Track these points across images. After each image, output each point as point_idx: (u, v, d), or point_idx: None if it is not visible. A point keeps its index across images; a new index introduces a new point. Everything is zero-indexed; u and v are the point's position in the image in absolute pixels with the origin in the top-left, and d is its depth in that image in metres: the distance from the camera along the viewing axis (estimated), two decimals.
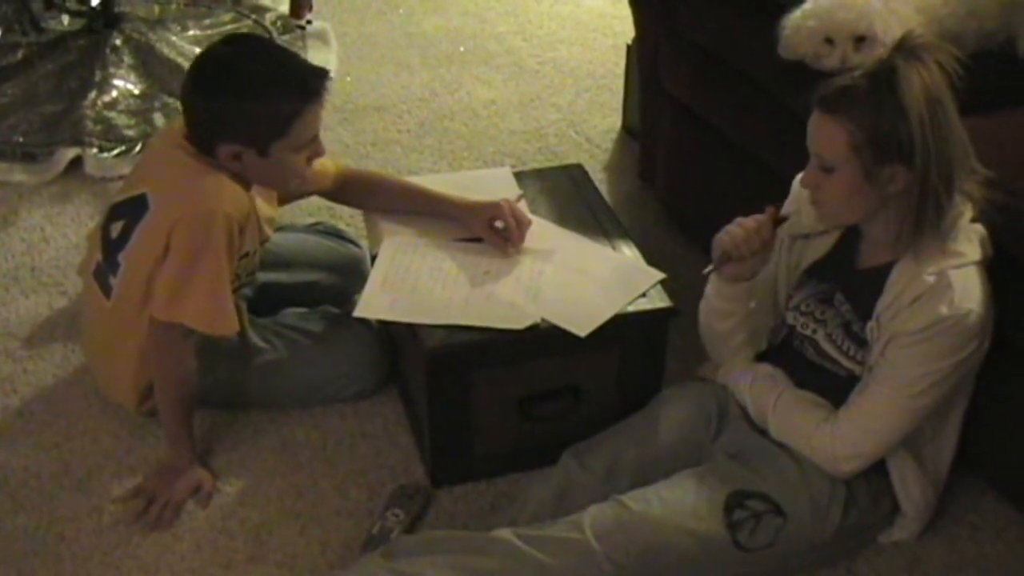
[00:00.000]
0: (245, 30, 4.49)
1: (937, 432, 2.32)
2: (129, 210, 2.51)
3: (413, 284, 2.52)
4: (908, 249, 2.15)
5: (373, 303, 2.50)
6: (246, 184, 2.48)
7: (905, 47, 2.08)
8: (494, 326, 2.40)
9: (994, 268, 2.20)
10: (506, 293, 2.49)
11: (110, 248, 2.55)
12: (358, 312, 2.50)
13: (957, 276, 2.11)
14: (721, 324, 2.44)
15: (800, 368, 2.37)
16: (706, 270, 2.37)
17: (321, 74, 2.43)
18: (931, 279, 2.11)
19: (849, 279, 2.30)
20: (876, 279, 2.21)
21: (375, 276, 2.55)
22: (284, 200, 2.80)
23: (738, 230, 2.29)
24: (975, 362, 2.21)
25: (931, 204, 2.09)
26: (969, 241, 2.16)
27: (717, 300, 2.41)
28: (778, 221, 2.30)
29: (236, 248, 2.43)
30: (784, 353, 2.44)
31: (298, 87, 2.38)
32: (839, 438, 2.23)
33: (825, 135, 2.11)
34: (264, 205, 2.62)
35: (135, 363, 2.58)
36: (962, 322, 2.10)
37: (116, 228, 2.53)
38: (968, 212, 2.17)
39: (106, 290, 2.57)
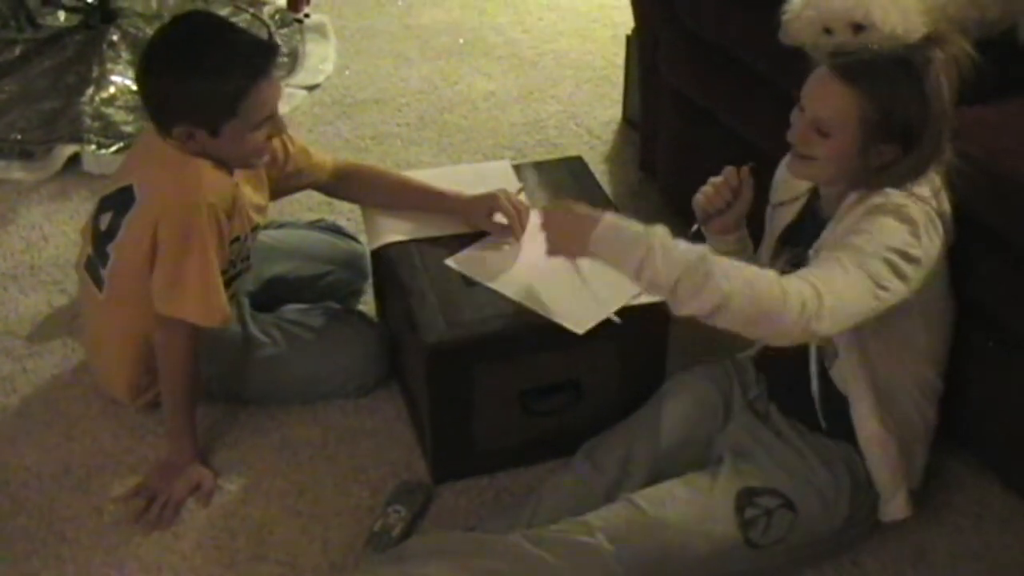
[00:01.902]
0: (243, 24, 4.47)
1: (893, 386, 2.26)
2: (117, 202, 2.50)
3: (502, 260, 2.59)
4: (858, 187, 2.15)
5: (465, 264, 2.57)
6: (228, 169, 2.47)
7: (935, 39, 2.08)
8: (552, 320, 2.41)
9: (977, 247, 2.23)
10: (571, 293, 2.47)
11: (100, 240, 2.54)
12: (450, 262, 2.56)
13: (896, 192, 2.10)
14: None
15: None
16: (692, 230, 2.37)
17: (268, 50, 2.41)
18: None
19: (814, 233, 2.30)
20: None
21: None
22: (279, 193, 2.78)
23: (708, 188, 2.39)
24: (925, 311, 2.18)
25: (903, 175, 2.11)
26: (924, 191, 2.14)
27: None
28: (754, 171, 2.36)
29: (225, 235, 2.42)
30: None
31: (243, 65, 2.34)
32: (806, 288, 1.96)
33: (834, 100, 2.10)
34: (252, 192, 2.60)
35: (129, 356, 2.59)
36: (899, 209, 2.06)
37: (105, 220, 2.53)
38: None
39: (98, 282, 2.57)
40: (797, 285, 1.96)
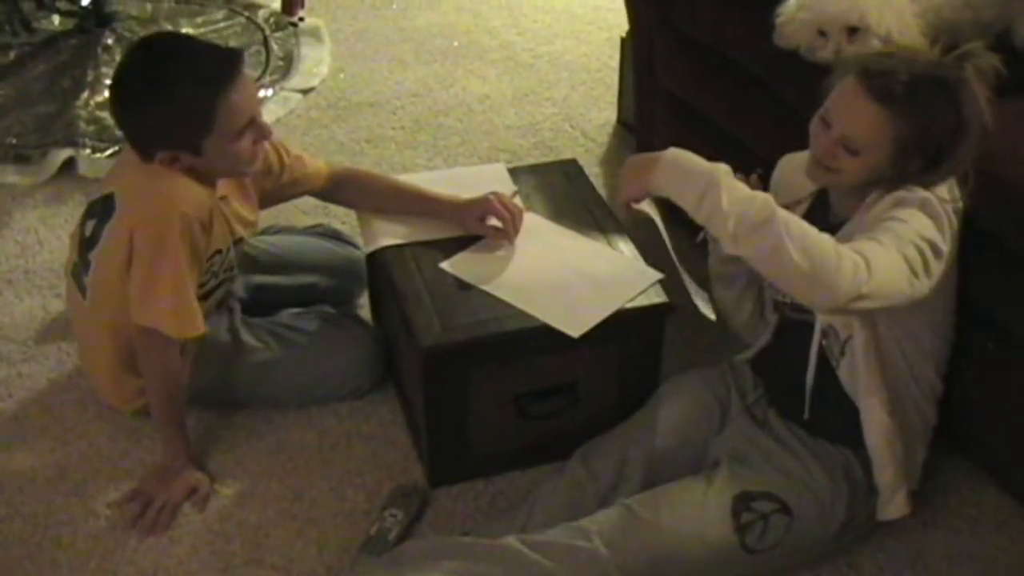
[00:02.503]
0: (238, 28, 4.48)
1: (899, 383, 2.26)
2: (100, 209, 2.51)
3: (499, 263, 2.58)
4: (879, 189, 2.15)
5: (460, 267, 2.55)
6: (210, 181, 2.47)
7: (968, 56, 2.06)
8: (548, 323, 2.40)
9: (975, 249, 2.23)
10: (567, 296, 2.49)
11: (84, 247, 2.55)
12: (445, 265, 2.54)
13: (920, 188, 2.10)
14: (727, 291, 2.47)
15: (790, 336, 2.37)
16: (698, 238, 2.36)
17: (230, 59, 2.38)
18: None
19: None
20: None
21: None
22: (275, 201, 2.79)
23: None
24: (931, 307, 2.18)
25: (933, 183, 2.11)
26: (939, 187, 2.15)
27: (718, 264, 2.44)
28: (760, 178, 2.31)
29: (202, 247, 2.42)
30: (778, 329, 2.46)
31: (207, 81, 2.32)
32: (857, 255, 1.96)
33: (867, 121, 2.07)
34: (240, 206, 2.61)
35: (115, 362, 2.60)
36: (925, 204, 2.06)
37: (89, 227, 2.54)
38: None
39: (82, 289, 2.58)
40: (849, 250, 1.96)
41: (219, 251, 2.51)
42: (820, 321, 2.25)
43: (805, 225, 1.98)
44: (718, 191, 1.98)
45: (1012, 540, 2.45)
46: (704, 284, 2.44)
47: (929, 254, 2.03)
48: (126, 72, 2.39)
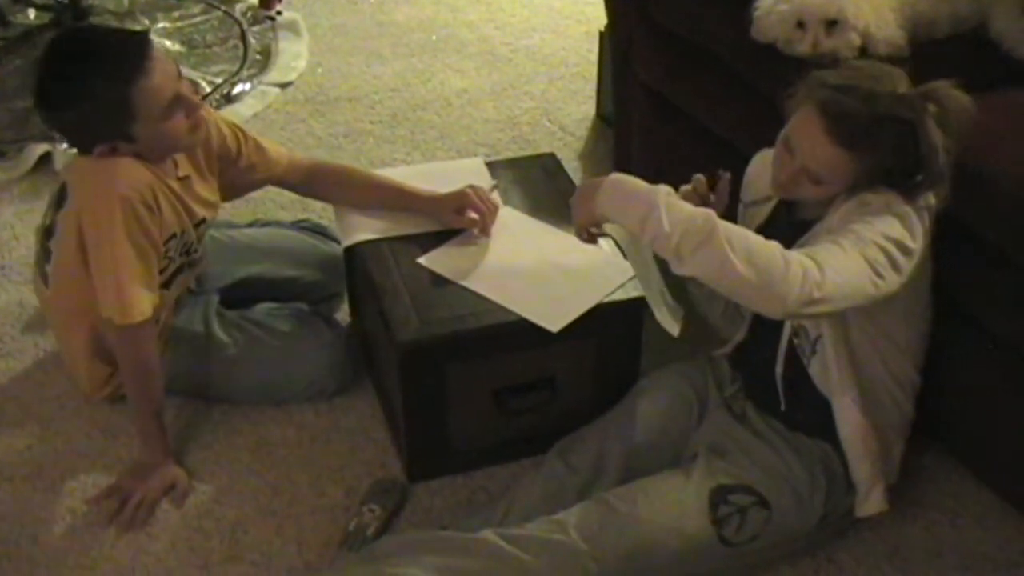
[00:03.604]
0: (215, 22, 4.47)
1: (875, 380, 2.27)
2: (57, 198, 2.52)
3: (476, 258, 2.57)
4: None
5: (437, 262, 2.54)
6: (160, 162, 2.45)
7: (929, 95, 2.06)
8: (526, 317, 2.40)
9: (950, 241, 2.24)
10: (545, 291, 2.48)
11: (44, 235, 2.56)
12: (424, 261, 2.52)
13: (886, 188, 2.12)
14: (698, 289, 2.47)
15: (764, 335, 2.37)
16: None
17: (136, 46, 2.34)
18: None
19: (786, 232, 2.30)
20: (810, 226, 2.21)
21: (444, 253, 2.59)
22: (237, 190, 2.79)
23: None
24: (907, 301, 2.18)
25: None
26: None
27: None
28: (711, 184, 2.30)
29: (150, 227, 2.39)
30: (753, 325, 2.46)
31: (117, 72, 2.30)
32: (806, 260, 1.97)
33: (828, 159, 2.08)
34: (201, 187, 2.59)
35: (82, 350, 2.60)
36: (888, 202, 2.08)
37: (48, 216, 2.55)
38: None
39: (44, 278, 2.58)
40: (798, 256, 1.97)
41: (174, 234, 2.50)
42: (789, 320, 2.26)
43: (749, 236, 1.98)
44: (659, 212, 1.99)
45: (990, 533, 2.45)
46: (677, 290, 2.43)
47: (896, 252, 2.04)
48: (40, 79, 2.36)
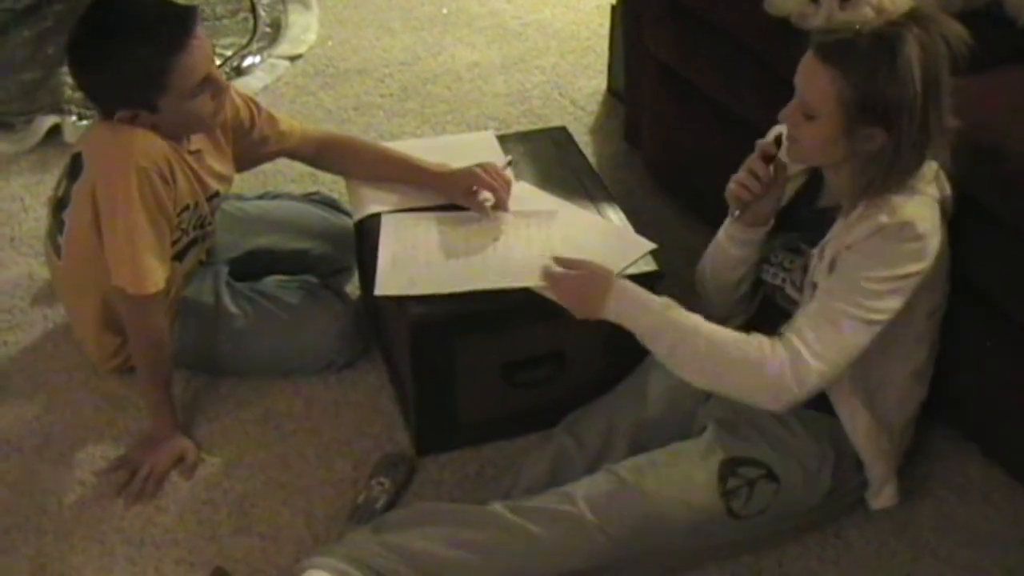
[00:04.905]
0: None
1: (885, 378, 2.27)
2: (71, 169, 2.51)
3: (425, 258, 2.49)
4: (866, 196, 2.14)
5: (391, 281, 2.44)
6: (176, 135, 2.45)
7: (915, 16, 2.04)
8: (516, 286, 2.37)
9: (963, 218, 2.22)
10: (520, 254, 2.47)
11: (57, 207, 2.56)
12: (378, 291, 2.43)
13: (901, 199, 2.10)
14: (732, 274, 2.43)
15: (774, 317, 2.35)
16: (734, 215, 2.36)
17: (182, 18, 2.35)
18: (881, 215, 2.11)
19: (809, 218, 2.29)
20: (832, 217, 2.20)
21: (384, 254, 2.50)
22: (250, 161, 2.78)
23: (740, 175, 2.30)
24: (920, 285, 2.14)
25: (900, 166, 2.08)
26: (925, 180, 2.14)
27: (734, 248, 2.39)
28: (769, 157, 2.28)
29: (164, 198, 2.39)
30: (763, 305, 2.45)
31: (161, 41, 2.31)
32: (791, 354, 2.09)
33: (815, 82, 2.08)
34: (214, 161, 2.59)
35: (90, 320, 2.60)
36: (902, 229, 2.07)
37: (62, 187, 2.54)
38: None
39: (57, 249, 2.58)
40: (776, 353, 2.10)
41: (187, 207, 2.50)
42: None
43: (720, 352, 2.14)
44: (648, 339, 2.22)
45: (998, 509, 2.45)
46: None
47: (900, 284, 2.09)
48: (80, 33, 2.37)
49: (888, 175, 2.08)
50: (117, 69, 2.31)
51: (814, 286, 2.18)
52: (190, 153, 2.50)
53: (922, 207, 2.10)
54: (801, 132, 2.14)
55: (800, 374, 2.08)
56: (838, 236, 2.15)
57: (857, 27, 2.05)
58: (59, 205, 2.54)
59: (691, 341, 2.15)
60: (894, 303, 2.10)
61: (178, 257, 2.53)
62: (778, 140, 2.25)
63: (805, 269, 2.26)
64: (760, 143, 2.29)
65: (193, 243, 2.59)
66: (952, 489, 2.49)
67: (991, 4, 2.62)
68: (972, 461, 2.55)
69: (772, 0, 2.62)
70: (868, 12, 2.45)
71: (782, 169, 2.28)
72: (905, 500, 2.42)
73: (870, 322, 2.09)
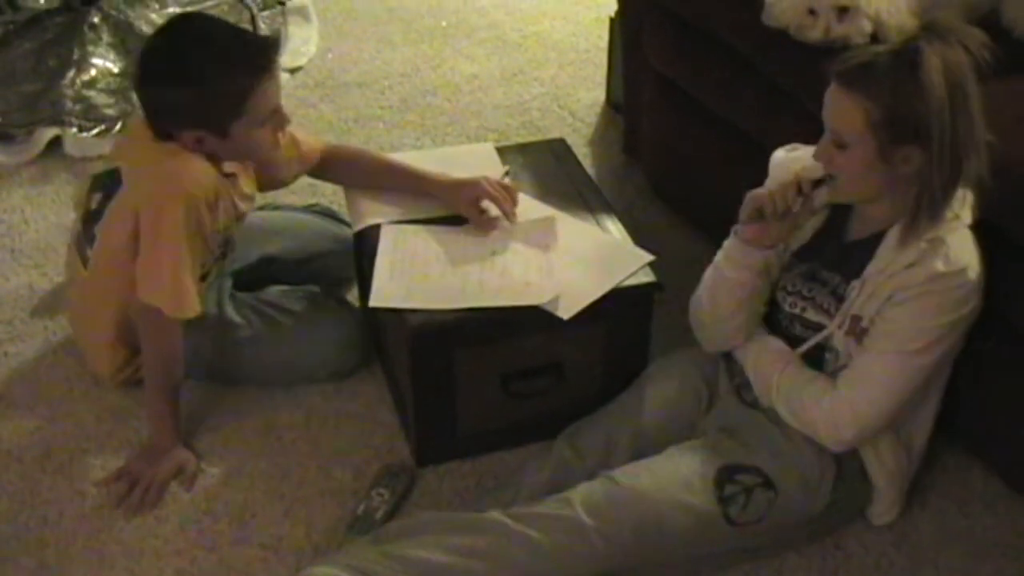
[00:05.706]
0: (225, 7, 4.46)
1: (917, 402, 2.29)
2: (107, 183, 2.52)
3: (423, 270, 2.48)
4: (916, 224, 2.12)
5: (387, 292, 2.44)
6: (217, 160, 2.46)
7: (932, 28, 2.05)
8: (512, 304, 2.38)
9: (984, 239, 2.20)
10: (518, 271, 2.47)
11: (89, 219, 2.57)
12: (373, 302, 2.43)
13: (951, 236, 2.11)
14: (727, 299, 2.34)
15: (776, 330, 2.37)
16: (734, 227, 2.32)
17: (269, 47, 2.40)
18: (924, 244, 2.10)
19: (837, 254, 2.28)
20: (866, 248, 2.20)
21: (381, 264, 2.50)
22: (272, 184, 2.78)
23: (772, 185, 2.26)
24: (969, 323, 2.19)
25: (939, 187, 2.06)
26: (961, 205, 2.14)
27: (732, 270, 2.31)
28: (800, 189, 2.22)
29: (206, 228, 2.41)
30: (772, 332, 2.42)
31: (246, 66, 2.33)
32: (841, 403, 2.19)
33: (842, 110, 2.07)
34: (243, 181, 2.60)
35: (109, 334, 2.60)
36: (959, 278, 2.09)
37: (96, 199, 2.55)
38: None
39: (84, 260, 2.58)
40: (826, 403, 2.22)
41: (218, 231, 2.51)
42: (828, 330, 2.26)
43: (796, 381, 2.27)
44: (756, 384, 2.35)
45: (999, 520, 2.45)
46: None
47: (938, 336, 2.15)
48: (160, 48, 2.36)
49: (929, 195, 2.07)
50: (199, 89, 2.31)
51: (855, 319, 2.20)
52: (226, 176, 2.50)
53: (966, 241, 2.13)
54: (836, 165, 2.13)
55: (860, 420, 2.20)
56: (882, 267, 2.15)
57: (875, 49, 2.06)
58: (91, 217, 2.55)
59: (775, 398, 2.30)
60: (948, 344, 2.16)
61: (203, 277, 2.53)
62: (817, 182, 2.21)
63: (833, 293, 2.26)
64: (800, 174, 2.23)
65: (216, 262, 2.60)
66: (953, 500, 2.49)
67: (988, 15, 2.63)
68: (972, 473, 2.55)
69: (771, 12, 2.62)
70: (865, 24, 2.47)
71: (807, 206, 2.24)
72: (905, 511, 2.42)
73: (921, 367, 2.17)
